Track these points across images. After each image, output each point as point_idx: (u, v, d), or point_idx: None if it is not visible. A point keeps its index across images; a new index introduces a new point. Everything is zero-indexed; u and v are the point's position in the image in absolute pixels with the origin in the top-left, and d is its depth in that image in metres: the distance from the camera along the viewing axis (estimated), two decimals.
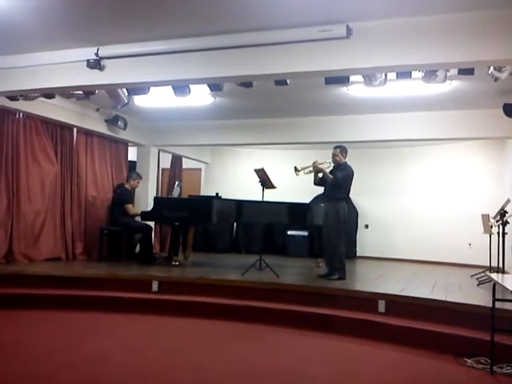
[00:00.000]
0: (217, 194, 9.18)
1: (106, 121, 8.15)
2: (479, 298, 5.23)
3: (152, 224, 8.29)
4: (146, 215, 7.64)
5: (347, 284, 6.01)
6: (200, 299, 5.71)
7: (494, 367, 3.81)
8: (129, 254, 8.09)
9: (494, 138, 8.08)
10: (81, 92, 6.19)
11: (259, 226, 8.97)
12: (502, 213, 6.30)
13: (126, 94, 6.24)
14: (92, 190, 8.28)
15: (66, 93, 6.38)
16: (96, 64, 5.12)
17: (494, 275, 3.70)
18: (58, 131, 7.68)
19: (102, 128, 8.19)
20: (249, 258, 7.58)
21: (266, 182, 6.98)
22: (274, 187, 7.05)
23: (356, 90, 6.33)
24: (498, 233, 6.37)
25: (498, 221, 6.42)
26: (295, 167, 6.57)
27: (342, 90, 6.42)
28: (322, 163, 6.50)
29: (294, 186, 8.62)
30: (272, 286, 5.84)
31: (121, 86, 5.77)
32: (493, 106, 6.72)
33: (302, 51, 4.54)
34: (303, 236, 9.92)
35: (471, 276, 7.03)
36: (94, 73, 5.19)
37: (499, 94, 6.30)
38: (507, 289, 2.74)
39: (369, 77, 5.16)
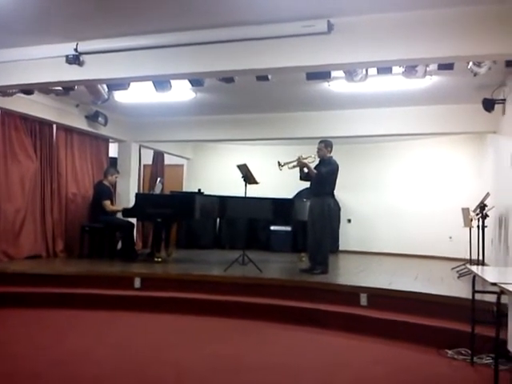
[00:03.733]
0: (199, 189, 9.17)
1: (87, 117, 8.06)
2: (460, 290, 5.29)
3: (134, 220, 8.23)
4: (127, 212, 7.58)
5: (329, 278, 6.04)
6: (183, 295, 5.70)
7: (475, 358, 3.86)
8: (110, 251, 8.01)
9: (474, 132, 8.19)
10: (60, 88, 6.12)
11: (242, 222, 8.98)
12: (482, 206, 6.38)
13: (106, 89, 6.17)
14: (72, 187, 8.20)
15: (45, 89, 6.30)
16: (75, 59, 5.05)
17: (474, 268, 3.74)
18: (38, 127, 7.57)
19: (82, 124, 8.09)
20: (232, 253, 7.57)
21: (248, 178, 6.97)
22: (256, 183, 7.04)
23: (337, 85, 6.35)
24: (478, 226, 6.45)
25: (477, 214, 6.50)
26: (278, 162, 6.57)
27: (323, 85, 6.43)
28: (307, 158, 6.51)
29: (277, 182, 8.65)
30: (255, 281, 5.86)
31: (100, 81, 5.70)
32: (472, 100, 6.79)
33: (282, 46, 4.54)
34: (286, 231, 9.94)
35: (452, 269, 7.11)
36: (73, 68, 5.12)
37: (479, 88, 6.37)
38: (487, 281, 2.78)
39: (350, 72, 5.18)
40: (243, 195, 7.01)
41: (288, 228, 9.92)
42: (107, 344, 4.29)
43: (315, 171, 6.34)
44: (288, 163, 6.60)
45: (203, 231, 10.26)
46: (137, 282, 6.00)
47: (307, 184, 6.80)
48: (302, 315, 5.18)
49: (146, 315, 5.35)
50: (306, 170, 6.48)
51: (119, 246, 8.10)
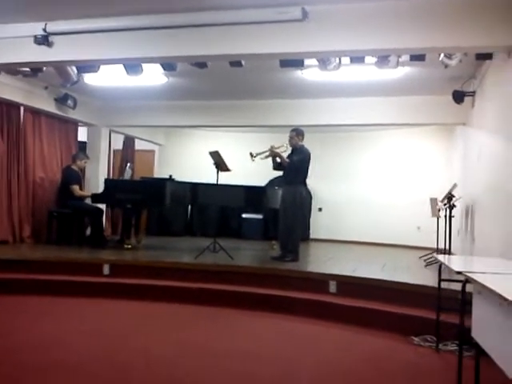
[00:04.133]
0: (170, 176, 9.08)
1: (56, 99, 7.87)
2: (426, 278, 5.39)
3: (103, 206, 8.10)
4: (96, 198, 7.47)
5: (300, 266, 6.09)
6: (153, 282, 5.66)
7: (440, 345, 3.96)
8: (79, 238, 7.88)
9: (445, 124, 8.29)
10: (28, 69, 5.95)
11: (214, 209, 8.95)
12: (450, 197, 6.49)
13: (76, 71, 6.03)
14: (40, 171, 8.01)
15: (12, 69, 6.12)
16: (44, 40, 4.92)
17: (440, 257, 3.80)
18: (4, 110, 7.34)
19: (50, 107, 7.90)
20: (203, 240, 7.54)
21: (220, 165, 6.93)
22: (228, 170, 7.01)
23: (311, 73, 6.34)
24: (446, 216, 6.57)
25: (445, 204, 6.62)
26: (250, 153, 6.51)
27: (297, 73, 6.42)
28: (279, 147, 6.49)
29: (250, 169, 8.59)
30: (226, 269, 5.85)
31: (70, 63, 5.58)
32: (443, 92, 6.86)
33: (256, 32, 4.51)
34: (258, 219, 9.96)
35: (419, 258, 7.24)
36: (41, 49, 4.98)
37: (449, 80, 6.45)
38: (452, 269, 2.83)
39: (323, 61, 5.18)
40: (215, 182, 6.97)
41: (259, 216, 9.94)
42: (75, 330, 4.23)
43: (287, 160, 6.34)
44: (260, 154, 6.55)
45: (174, 218, 10.18)
46: (106, 269, 5.93)
47: (279, 172, 6.80)
48: (272, 302, 5.20)
49: (115, 302, 5.30)
50: (278, 159, 6.47)
51: (88, 232, 7.98)
